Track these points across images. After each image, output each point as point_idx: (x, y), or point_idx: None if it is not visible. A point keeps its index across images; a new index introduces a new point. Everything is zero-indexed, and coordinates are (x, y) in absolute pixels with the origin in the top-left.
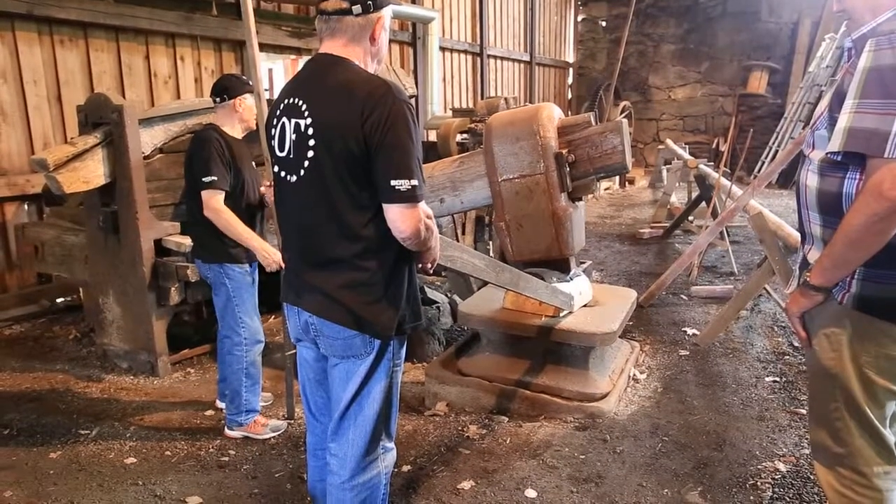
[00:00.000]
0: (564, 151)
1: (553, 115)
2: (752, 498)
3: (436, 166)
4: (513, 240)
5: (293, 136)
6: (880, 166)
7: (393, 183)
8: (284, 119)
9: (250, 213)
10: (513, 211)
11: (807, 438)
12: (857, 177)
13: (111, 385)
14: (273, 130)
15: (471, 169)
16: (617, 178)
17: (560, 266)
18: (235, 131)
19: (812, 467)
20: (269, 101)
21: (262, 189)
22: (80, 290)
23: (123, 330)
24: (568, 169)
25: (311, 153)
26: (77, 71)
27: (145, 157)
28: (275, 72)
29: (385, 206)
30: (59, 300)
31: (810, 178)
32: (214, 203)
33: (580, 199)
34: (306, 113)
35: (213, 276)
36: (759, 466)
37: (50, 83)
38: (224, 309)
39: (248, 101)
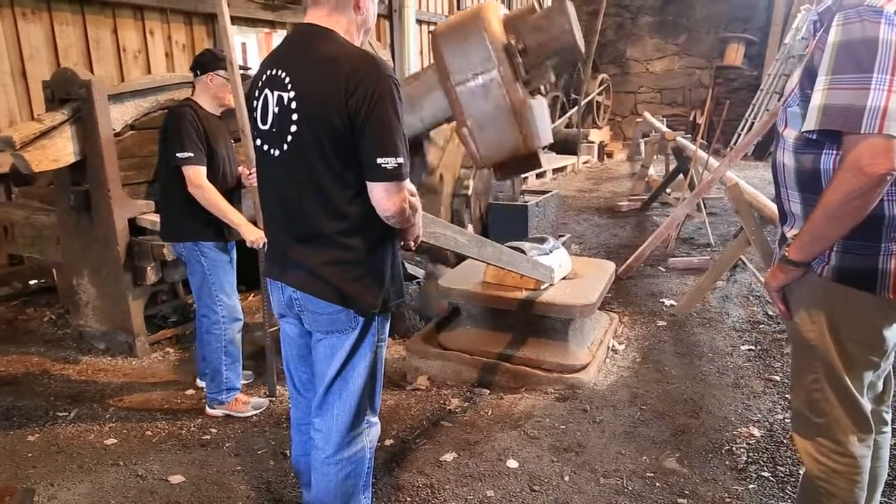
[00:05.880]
0: (513, 40)
1: (497, 8)
2: (727, 463)
3: None
4: (478, 145)
5: (276, 109)
6: (858, 142)
7: (379, 161)
8: (267, 91)
9: (227, 190)
10: (472, 113)
11: (780, 404)
12: (834, 152)
13: (88, 367)
14: (255, 102)
15: (424, 83)
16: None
17: (531, 163)
18: (212, 107)
19: (786, 432)
20: (243, 75)
21: (241, 170)
22: (54, 271)
23: (99, 311)
24: (520, 59)
25: (294, 127)
26: (42, 45)
27: (116, 134)
28: (248, 46)
29: (370, 184)
30: (31, 282)
31: (787, 157)
32: (197, 178)
33: (539, 94)
34: (290, 86)
35: (188, 253)
36: (734, 432)
37: (13, 58)
38: (200, 288)
39: (219, 77)
